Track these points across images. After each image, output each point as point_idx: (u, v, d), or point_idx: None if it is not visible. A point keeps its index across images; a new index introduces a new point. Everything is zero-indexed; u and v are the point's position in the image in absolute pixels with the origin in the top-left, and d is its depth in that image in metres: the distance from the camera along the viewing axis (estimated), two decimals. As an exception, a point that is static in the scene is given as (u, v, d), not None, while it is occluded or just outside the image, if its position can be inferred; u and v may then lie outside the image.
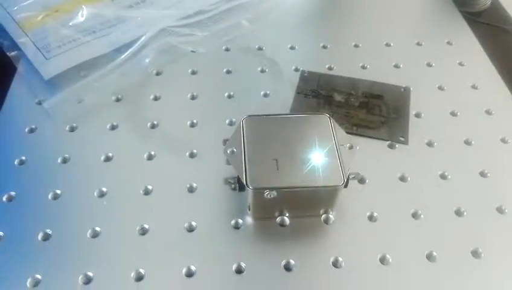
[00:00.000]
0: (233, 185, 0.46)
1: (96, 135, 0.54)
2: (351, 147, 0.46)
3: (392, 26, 0.71)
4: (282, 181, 0.43)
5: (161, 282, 0.42)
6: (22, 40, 0.64)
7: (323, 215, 0.47)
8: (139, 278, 0.43)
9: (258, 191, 0.43)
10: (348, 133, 0.49)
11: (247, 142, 0.45)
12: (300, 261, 0.44)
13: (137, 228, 0.46)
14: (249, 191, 0.43)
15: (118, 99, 0.58)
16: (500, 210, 0.48)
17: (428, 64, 0.65)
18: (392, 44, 0.68)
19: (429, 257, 0.45)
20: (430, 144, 0.54)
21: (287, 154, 0.44)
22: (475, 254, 0.45)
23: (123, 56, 0.61)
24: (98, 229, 0.46)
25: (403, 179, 0.51)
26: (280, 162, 0.44)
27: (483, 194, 0.50)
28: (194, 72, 0.62)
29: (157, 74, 0.62)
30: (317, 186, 0.43)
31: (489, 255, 0.45)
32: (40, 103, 0.57)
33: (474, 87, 0.62)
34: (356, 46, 0.67)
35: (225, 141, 0.46)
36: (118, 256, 0.44)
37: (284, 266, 0.44)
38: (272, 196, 0.43)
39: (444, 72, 0.64)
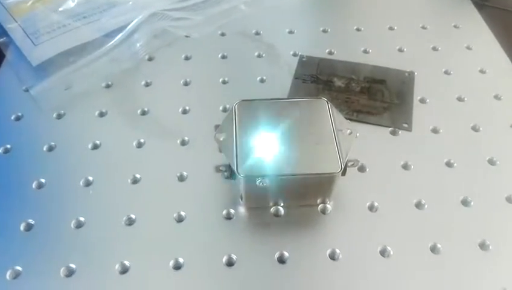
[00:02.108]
0: (226, 173, 0.44)
1: (84, 122, 0.52)
2: (350, 133, 0.43)
3: (396, 8, 0.68)
4: (276, 168, 0.40)
5: (147, 275, 0.40)
6: (10, 26, 0.62)
7: (320, 205, 0.45)
8: (124, 270, 0.40)
9: (250, 179, 0.40)
10: (348, 119, 0.46)
11: (239, 128, 0.43)
12: (295, 254, 0.41)
13: (124, 218, 0.44)
14: (240, 179, 0.40)
15: (107, 86, 0.56)
16: (509, 200, 0.46)
17: (434, 48, 0.62)
18: (395, 27, 0.65)
19: (433, 249, 0.42)
20: (435, 131, 0.52)
21: (281, 141, 0.42)
22: (482, 246, 0.42)
23: (113, 41, 0.59)
24: (82, 219, 0.43)
25: (405, 167, 0.48)
26: (274, 148, 0.41)
27: (491, 183, 0.47)
28: (187, 58, 0.60)
29: (149, 59, 0.59)
30: (313, 174, 0.40)
31: (498, 247, 0.42)
32: (27, 90, 0.55)
33: (482, 71, 0.59)
34: (358, 29, 0.64)
35: (217, 127, 0.44)
36: (103, 247, 0.42)
37: (278, 258, 0.41)
38: (265, 184, 0.40)
39: (451, 56, 0.61)
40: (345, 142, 0.42)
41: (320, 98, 0.46)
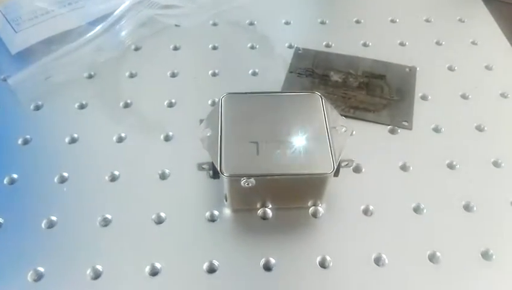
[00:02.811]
0: (210, 172, 0.40)
1: (62, 114, 0.49)
2: (344, 131, 0.40)
3: (398, 0, 0.65)
4: (262, 168, 0.37)
5: (121, 281, 0.37)
6: (-10, 13, 0.58)
7: (311, 208, 0.42)
8: (96, 275, 0.37)
9: (234, 179, 0.37)
10: (344, 116, 0.43)
11: (225, 123, 0.40)
12: (282, 260, 0.38)
13: (99, 218, 0.41)
14: (224, 179, 0.37)
15: (89, 76, 0.53)
16: (516, 205, 0.42)
17: (438, 43, 0.59)
18: (397, 20, 0.62)
19: (432, 257, 0.39)
20: (436, 130, 0.48)
21: (269, 137, 0.39)
22: (485, 255, 0.39)
23: (97, 29, 0.56)
24: (54, 218, 0.40)
25: (404, 168, 0.45)
26: (261, 145, 0.38)
27: (496, 186, 0.44)
28: (176, 48, 0.56)
29: (136, 49, 0.56)
30: (303, 174, 0.37)
31: (502, 257, 0.39)
32: (5, 80, 0.52)
33: (488, 67, 0.56)
34: (358, 22, 0.61)
35: (201, 122, 0.41)
36: (74, 250, 0.39)
37: (264, 265, 0.38)
38: (251, 185, 0.37)
39: (455, 51, 0.58)
40: (339, 141, 0.39)
41: (314, 92, 0.42)
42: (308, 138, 0.39)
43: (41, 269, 0.37)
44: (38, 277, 0.37)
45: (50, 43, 0.55)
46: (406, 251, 0.39)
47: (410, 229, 0.41)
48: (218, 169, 0.37)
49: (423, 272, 0.38)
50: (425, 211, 0.42)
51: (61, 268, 0.38)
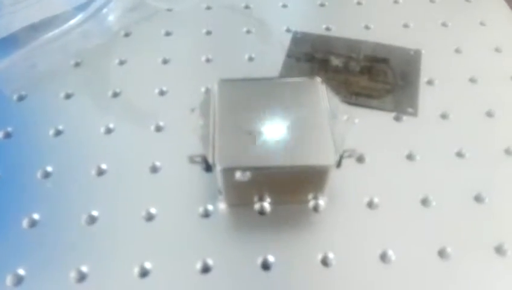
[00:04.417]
0: (204, 165, 0.38)
1: (47, 104, 0.46)
2: (346, 119, 0.37)
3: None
4: (259, 159, 0.35)
5: (108, 283, 0.35)
6: (-29, -2, 0.55)
7: (311, 202, 0.39)
8: (82, 277, 0.35)
9: (228, 172, 0.34)
10: (345, 103, 0.40)
11: (219, 111, 0.37)
12: (281, 258, 0.36)
13: (84, 216, 0.38)
14: (217, 172, 0.34)
15: (76, 64, 0.50)
16: (529, 196, 0.40)
17: (444, 24, 0.56)
18: (400, 1, 0.59)
19: (442, 253, 0.36)
20: (444, 116, 0.46)
21: (266, 126, 0.36)
22: (499, 250, 0.37)
23: (84, 13, 0.53)
24: (37, 216, 0.38)
25: (410, 157, 0.42)
26: (258, 135, 0.35)
27: (509, 175, 0.41)
28: (168, 33, 0.54)
29: (125, 35, 0.53)
30: (303, 166, 0.35)
31: (517, 252, 0.36)
32: (-14, 69, 0.49)
33: (497, 50, 0.53)
34: (359, 3, 0.59)
35: (193, 110, 0.38)
36: (58, 250, 0.36)
37: (262, 263, 0.36)
38: (246, 178, 0.35)
39: (462, 33, 0.55)
40: (341, 129, 0.36)
41: (314, 77, 0.39)
42: (308, 126, 0.36)
43: (21, 271, 0.35)
44: (18, 280, 0.35)
45: (34, 30, 0.52)
46: (413, 247, 0.37)
47: (418, 223, 0.38)
48: (211, 161, 0.34)
49: (432, 269, 0.36)
50: (433, 203, 0.39)
51: (43, 270, 0.35)
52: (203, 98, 0.39)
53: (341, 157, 0.35)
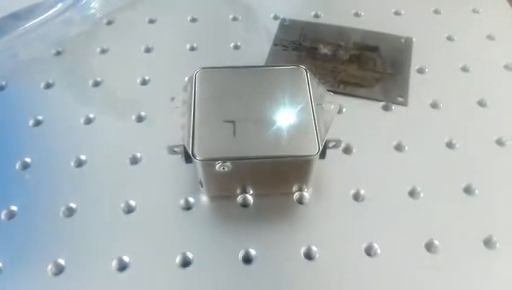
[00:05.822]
0: (184, 156, 0.36)
1: (26, 94, 0.45)
2: (331, 108, 0.36)
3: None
4: (239, 150, 0.33)
5: (85, 276, 0.34)
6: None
7: (296, 193, 0.38)
8: (59, 271, 0.34)
9: (208, 163, 0.33)
10: (334, 92, 0.40)
11: (199, 101, 0.36)
12: (263, 251, 0.35)
13: (62, 208, 0.37)
14: (197, 163, 0.33)
15: (57, 53, 0.49)
16: (520, 187, 0.39)
17: (436, 11, 0.55)
18: (392, -13, 0.57)
19: (429, 246, 0.36)
20: (434, 105, 0.45)
21: (247, 116, 0.35)
22: (488, 243, 0.36)
23: (65, 2, 0.51)
24: (15, 208, 0.37)
25: (399, 148, 0.41)
26: (238, 125, 0.34)
27: (499, 166, 0.41)
28: (152, 21, 0.52)
29: (108, 22, 0.52)
30: (285, 156, 0.34)
31: (506, 245, 0.35)
32: (-34, 58, 0.48)
33: (490, 37, 0.52)
34: (349, -10, 0.57)
35: (173, 99, 0.37)
36: (35, 243, 0.35)
37: (243, 257, 0.35)
38: (227, 169, 0.33)
39: (455, 20, 0.54)
40: (325, 119, 0.35)
41: (298, 66, 0.38)
42: (291, 116, 0.35)
43: (-2, 264, 0.34)
44: (-5, 273, 0.34)
45: (15, 18, 0.51)
46: (400, 240, 0.36)
47: (405, 215, 0.37)
48: (190, 152, 0.33)
49: (419, 263, 0.35)
50: (421, 195, 0.38)
51: (20, 263, 0.34)
52: (183, 86, 0.37)
53: (325, 148, 0.34)
